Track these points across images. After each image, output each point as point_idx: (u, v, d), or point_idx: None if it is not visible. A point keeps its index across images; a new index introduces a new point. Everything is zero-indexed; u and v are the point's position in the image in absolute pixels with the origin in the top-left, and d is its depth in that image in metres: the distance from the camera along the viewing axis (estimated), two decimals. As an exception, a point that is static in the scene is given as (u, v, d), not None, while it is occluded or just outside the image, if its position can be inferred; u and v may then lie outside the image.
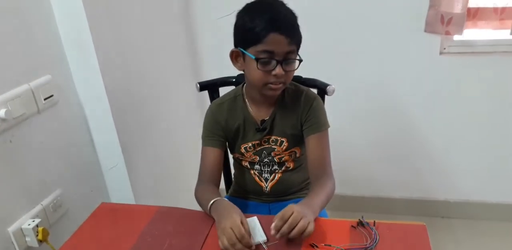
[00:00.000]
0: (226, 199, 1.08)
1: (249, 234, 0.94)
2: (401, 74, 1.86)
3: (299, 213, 0.93)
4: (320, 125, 1.19)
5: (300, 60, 1.09)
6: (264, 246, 0.95)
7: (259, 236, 0.97)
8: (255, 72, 1.09)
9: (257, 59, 1.06)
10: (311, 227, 0.92)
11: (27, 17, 1.14)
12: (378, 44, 1.83)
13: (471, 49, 1.78)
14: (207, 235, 1.01)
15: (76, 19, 1.23)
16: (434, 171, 2.04)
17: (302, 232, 0.92)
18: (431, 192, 2.09)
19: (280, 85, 1.10)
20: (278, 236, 0.92)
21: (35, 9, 1.17)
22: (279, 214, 0.94)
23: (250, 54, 1.07)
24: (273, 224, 0.92)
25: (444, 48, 1.78)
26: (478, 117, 1.89)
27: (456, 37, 1.77)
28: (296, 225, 0.91)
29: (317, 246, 0.93)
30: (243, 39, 1.09)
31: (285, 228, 0.91)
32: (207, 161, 1.21)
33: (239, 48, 1.10)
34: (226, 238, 0.92)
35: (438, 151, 2.00)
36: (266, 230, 0.99)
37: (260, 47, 1.05)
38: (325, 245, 0.93)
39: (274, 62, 1.06)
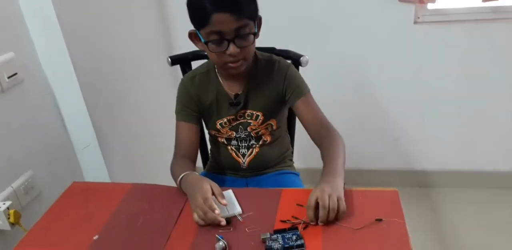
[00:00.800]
0: (195, 173, 1.06)
1: (223, 197, 0.94)
2: (375, 45, 1.86)
3: (334, 193, 0.90)
4: (301, 88, 1.16)
5: (254, 34, 1.05)
6: (239, 218, 0.95)
7: (234, 208, 0.97)
8: (211, 54, 1.06)
9: (206, 43, 1.03)
10: (343, 205, 0.90)
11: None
12: (351, 15, 1.81)
13: (444, 18, 1.77)
14: (181, 210, 1.00)
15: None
16: (410, 141, 2.07)
17: (337, 212, 0.90)
18: (408, 162, 2.12)
19: (240, 62, 1.07)
20: (321, 223, 0.90)
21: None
22: (320, 203, 0.89)
23: (201, 36, 1.04)
24: (320, 218, 0.89)
25: (418, 18, 1.78)
26: (453, 85, 1.91)
27: (430, 6, 1.76)
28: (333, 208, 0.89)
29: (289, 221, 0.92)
30: (194, 21, 1.05)
31: (325, 216, 0.89)
32: (181, 136, 1.19)
33: (195, 29, 1.06)
34: (199, 209, 0.92)
35: (414, 121, 2.02)
36: (240, 202, 0.99)
37: (208, 28, 1.01)
38: (293, 217, 0.93)
39: (225, 42, 1.02)
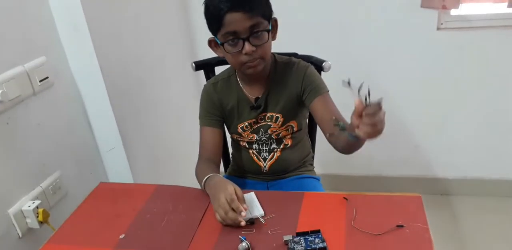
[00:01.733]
0: (219, 175, 1.08)
1: (244, 202, 0.95)
2: (398, 51, 1.85)
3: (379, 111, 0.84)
4: (319, 88, 1.16)
5: (268, 31, 1.06)
6: (261, 220, 0.96)
7: (257, 210, 0.98)
8: (228, 56, 1.08)
9: (222, 44, 1.05)
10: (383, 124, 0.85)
11: (20, -1, 1.13)
12: (374, 21, 1.81)
13: (468, 24, 1.76)
14: (205, 211, 1.02)
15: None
16: (432, 148, 2.05)
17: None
18: (429, 169, 2.10)
19: (257, 61, 1.08)
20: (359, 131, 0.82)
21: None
22: (366, 111, 0.85)
23: (218, 40, 1.07)
24: (362, 125, 0.83)
25: (442, 24, 1.77)
26: (476, 93, 1.89)
27: (453, 12, 1.75)
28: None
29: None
30: (209, 27, 1.08)
31: (369, 123, 0.84)
32: (205, 140, 1.22)
33: (213, 36, 1.09)
34: (221, 209, 0.93)
35: (436, 128, 2.00)
36: (263, 204, 1.00)
37: (223, 30, 1.04)
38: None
39: (240, 41, 1.04)
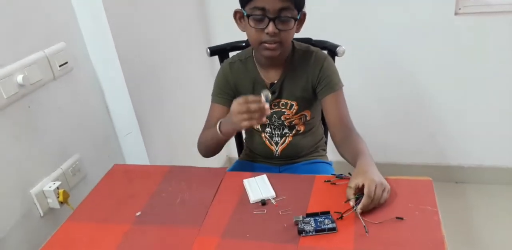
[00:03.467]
0: None
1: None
2: (415, 36, 1.83)
3: (381, 185, 0.92)
4: (333, 84, 1.17)
5: (295, 19, 1.07)
6: (273, 201, 0.98)
7: (268, 192, 1.00)
8: (249, 31, 1.09)
9: (248, 16, 1.07)
10: (385, 197, 0.93)
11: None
12: (390, 7, 1.79)
13: (487, 9, 1.73)
14: (217, 188, 1.05)
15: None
16: (447, 136, 2.03)
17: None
18: (444, 157, 2.09)
19: (275, 45, 1.09)
20: (359, 210, 0.90)
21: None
22: (366, 191, 0.89)
23: (245, 11, 1.08)
24: (360, 205, 0.89)
25: (460, 8, 1.74)
26: (494, 80, 1.86)
27: (472, -3, 1.72)
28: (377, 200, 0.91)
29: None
30: None
31: (371, 205, 0.90)
32: (212, 116, 1.23)
33: (240, 8, 1.10)
34: (240, 114, 0.97)
35: (451, 115, 1.98)
36: (274, 187, 1.02)
37: (253, 4, 1.05)
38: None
39: (266, 19, 1.05)
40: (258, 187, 1.02)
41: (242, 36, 1.36)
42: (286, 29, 1.07)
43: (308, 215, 0.91)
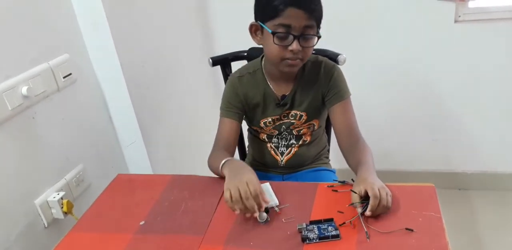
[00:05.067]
0: (239, 160, 1.10)
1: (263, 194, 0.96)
2: (416, 44, 1.84)
3: (383, 189, 0.93)
4: (342, 92, 1.19)
5: (319, 37, 1.08)
6: (276, 209, 0.98)
7: (271, 200, 1.00)
8: (272, 47, 1.08)
9: (273, 33, 1.06)
10: (390, 201, 0.93)
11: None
12: (392, 14, 1.81)
13: (486, 16, 1.74)
14: (221, 197, 1.05)
15: (90, -1, 1.26)
16: (450, 142, 2.03)
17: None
18: (447, 164, 2.08)
19: (297, 61, 1.09)
20: (368, 214, 0.90)
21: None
22: (371, 193, 0.90)
23: (267, 28, 1.07)
24: (369, 207, 0.90)
25: (459, 16, 1.75)
26: (496, 86, 1.86)
27: (471, 4, 1.73)
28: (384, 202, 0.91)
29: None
30: (262, 13, 1.08)
31: (379, 208, 0.91)
32: (223, 131, 1.23)
33: (258, 21, 1.10)
34: (241, 190, 0.92)
35: (454, 122, 1.98)
36: (277, 194, 1.02)
37: (277, 21, 1.04)
38: (338, 212, 0.95)
39: (291, 37, 1.05)
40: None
41: (243, 46, 1.38)
42: (309, 46, 1.09)
43: (312, 223, 0.91)
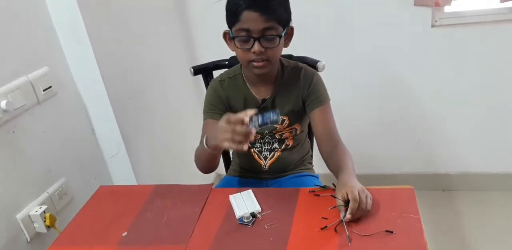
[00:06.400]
0: None
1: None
2: (394, 49, 1.87)
3: (363, 191, 0.94)
4: (322, 98, 1.21)
5: (279, 36, 1.10)
6: (258, 215, 0.98)
7: (253, 206, 1.01)
8: (238, 51, 1.12)
9: (233, 38, 1.10)
10: (370, 204, 0.95)
11: (21, 11, 1.18)
12: (369, 20, 1.84)
13: (462, 20, 1.78)
14: (203, 205, 1.05)
15: (69, 10, 1.27)
16: (433, 144, 2.05)
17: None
18: (431, 165, 2.10)
19: (264, 62, 1.11)
20: (348, 218, 0.90)
21: (27, 3, 1.20)
22: (351, 196, 0.91)
23: (231, 33, 1.11)
24: (349, 210, 0.90)
25: (436, 21, 1.79)
26: (474, 88, 1.90)
27: (447, 9, 1.77)
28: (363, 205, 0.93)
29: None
30: (227, 19, 1.12)
31: (358, 211, 0.91)
32: (206, 132, 1.21)
33: (229, 29, 1.13)
34: (226, 132, 0.92)
35: (436, 124, 2.01)
36: (260, 201, 1.03)
37: (238, 26, 1.08)
38: (322, 218, 0.96)
39: (251, 40, 1.08)
40: (244, 202, 1.03)
41: (224, 55, 1.39)
42: (272, 47, 1.10)
43: (257, 114, 0.92)
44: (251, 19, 1.05)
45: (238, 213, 0.99)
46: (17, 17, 1.16)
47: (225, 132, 0.92)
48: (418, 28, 1.81)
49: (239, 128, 0.91)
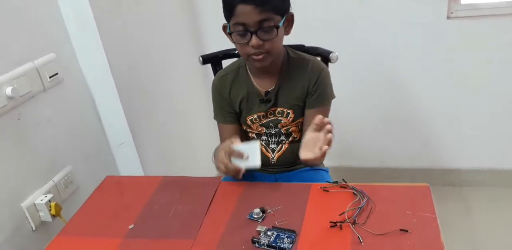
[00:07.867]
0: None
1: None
2: (408, 41, 1.83)
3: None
4: (323, 98, 1.19)
5: (277, 27, 1.07)
6: (269, 210, 0.96)
7: (252, 161, 1.01)
8: (237, 46, 1.11)
9: (230, 33, 1.08)
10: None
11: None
12: (383, 11, 1.80)
13: (479, 12, 1.73)
14: (212, 199, 1.03)
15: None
16: (443, 139, 2.02)
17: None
18: (440, 161, 2.08)
19: (263, 55, 1.09)
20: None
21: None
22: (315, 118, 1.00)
23: (229, 28, 1.09)
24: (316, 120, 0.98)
25: (452, 13, 1.74)
26: (488, 82, 1.86)
27: (463, 1, 1.72)
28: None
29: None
30: (224, 15, 1.10)
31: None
32: (225, 136, 1.24)
33: (227, 23, 1.11)
34: (222, 164, 1.04)
35: (448, 118, 1.98)
36: (270, 196, 1.01)
37: (234, 20, 1.06)
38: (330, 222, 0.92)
39: (248, 33, 1.06)
40: (246, 155, 1.04)
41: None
42: (271, 39, 1.07)
43: (274, 228, 0.89)
44: (245, 12, 1.03)
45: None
46: (24, 3, 1.13)
47: (220, 163, 1.05)
48: (433, 20, 1.77)
49: (230, 166, 1.03)
